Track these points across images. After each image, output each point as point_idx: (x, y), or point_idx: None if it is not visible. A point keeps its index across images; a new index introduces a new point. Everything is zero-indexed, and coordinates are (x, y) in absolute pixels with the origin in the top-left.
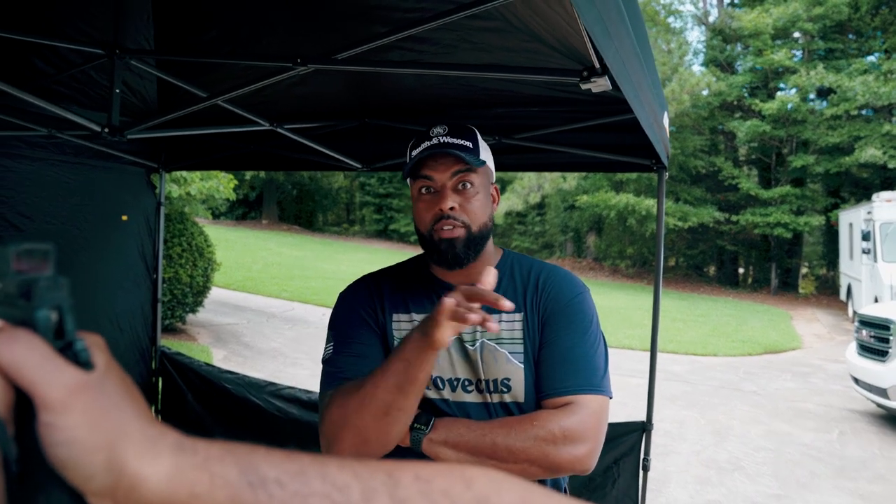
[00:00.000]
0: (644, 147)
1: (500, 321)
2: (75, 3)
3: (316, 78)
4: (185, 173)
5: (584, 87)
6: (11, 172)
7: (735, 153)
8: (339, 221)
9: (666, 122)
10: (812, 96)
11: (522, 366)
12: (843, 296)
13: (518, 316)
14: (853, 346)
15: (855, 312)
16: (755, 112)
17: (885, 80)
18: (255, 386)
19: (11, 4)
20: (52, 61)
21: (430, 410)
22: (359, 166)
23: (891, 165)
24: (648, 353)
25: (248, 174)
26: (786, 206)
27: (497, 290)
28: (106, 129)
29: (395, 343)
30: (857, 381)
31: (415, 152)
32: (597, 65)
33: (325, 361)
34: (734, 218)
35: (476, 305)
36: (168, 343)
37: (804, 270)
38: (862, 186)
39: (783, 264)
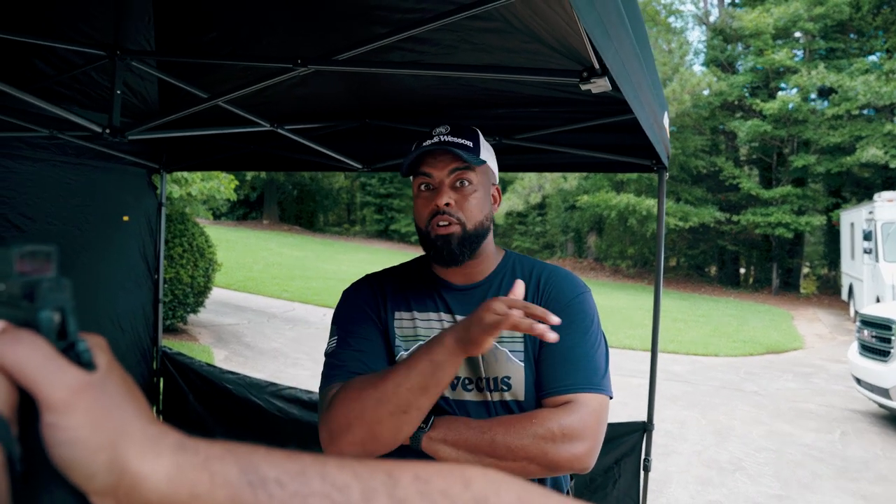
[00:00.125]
0: (644, 147)
1: None
2: (76, 4)
3: (316, 79)
4: (185, 174)
5: (583, 87)
6: (13, 173)
7: (736, 153)
8: (339, 222)
9: (666, 122)
10: (813, 96)
11: (523, 364)
12: (844, 296)
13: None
14: (855, 346)
15: (856, 312)
16: (756, 112)
17: (887, 80)
18: (256, 386)
19: (13, 6)
20: (53, 62)
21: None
22: (359, 167)
23: (892, 165)
24: (649, 354)
25: (249, 175)
26: (787, 205)
27: (498, 289)
28: (107, 130)
29: (396, 340)
30: (858, 381)
31: (414, 152)
32: (596, 66)
33: (328, 354)
34: (735, 218)
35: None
36: (169, 343)
37: (805, 270)
38: (863, 186)
39: (784, 264)
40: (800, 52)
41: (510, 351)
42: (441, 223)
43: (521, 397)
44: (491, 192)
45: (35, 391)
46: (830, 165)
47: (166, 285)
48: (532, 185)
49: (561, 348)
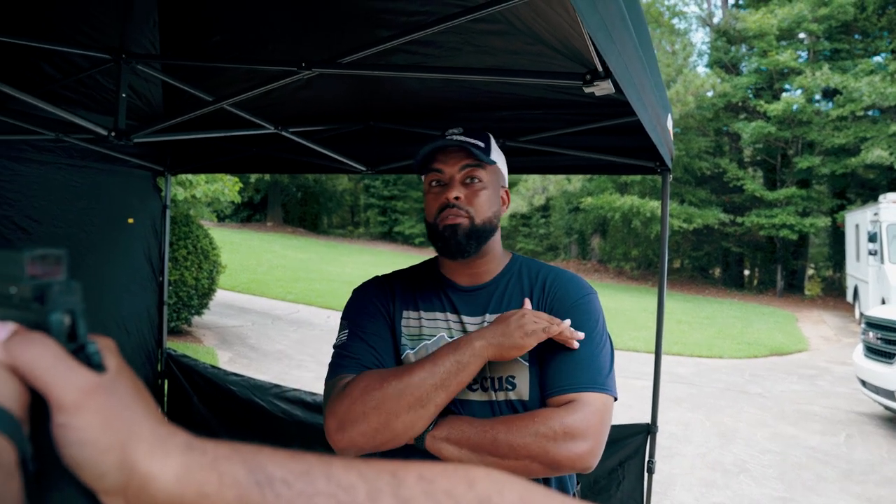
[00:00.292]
0: (648, 149)
1: None
2: (83, 8)
3: (320, 81)
4: (190, 176)
5: (587, 90)
6: (19, 176)
7: (740, 154)
8: (343, 224)
9: (670, 124)
10: (818, 97)
11: (528, 364)
12: (849, 297)
13: None
14: (860, 348)
15: (861, 314)
16: (760, 113)
17: (892, 81)
18: (261, 388)
19: (20, 10)
20: (59, 66)
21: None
22: (363, 169)
23: None
24: (653, 356)
25: (253, 177)
26: (791, 207)
27: (504, 290)
28: (113, 133)
29: (402, 339)
30: (864, 383)
31: (426, 148)
32: (599, 68)
33: (338, 347)
34: (739, 219)
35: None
36: (174, 345)
37: (810, 272)
38: (868, 187)
39: (789, 266)
40: (804, 54)
41: None
42: (450, 215)
43: (526, 397)
44: (500, 194)
45: (46, 392)
46: (835, 167)
47: (171, 287)
48: (536, 187)
49: (565, 348)
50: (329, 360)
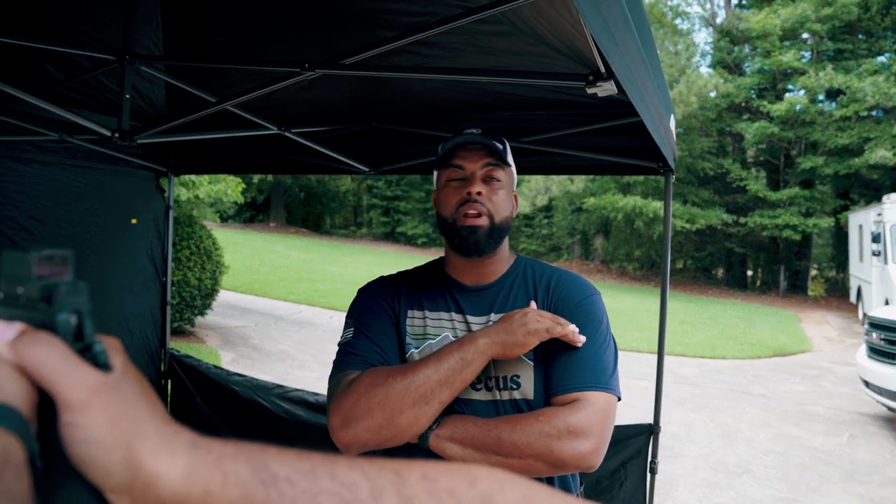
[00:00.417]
0: (651, 150)
1: None
2: (87, 10)
3: (323, 82)
4: (193, 177)
5: (589, 91)
6: (23, 176)
7: (743, 155)
8: (346, 224)
9: (672, 124)
10: (821, 97)
11: (532, 363)
12: (852, 298)
13: None
14: (863, 348)
15: (865, 315)
16: (763, 114)
17: None
18: (263, 388)
19: (24, 12)
20: (63, 67)
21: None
22: (366, 169)
23: None
24: (656, 356)
25: (256, 177)
26: (794, 207)
27: (509, 291)
28: (116, 134)
29: (407, 339)
30: (867, 384)
31: (447, 143)
32: (602, 69)
33: (343, 344)
34: (742, 220)
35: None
36: (177, 345)
37: (813, 273)
38: (872, 188)
39: (792, 266)
40: (807, 54)
41: None
42: (470, 212)
43: (531, 396)
44: (512, 194)
45: (53, 391)
46: (838, 167)
47: (174, 288)
48: (538, 188)
49: (570, 348)
50: (332, 360)
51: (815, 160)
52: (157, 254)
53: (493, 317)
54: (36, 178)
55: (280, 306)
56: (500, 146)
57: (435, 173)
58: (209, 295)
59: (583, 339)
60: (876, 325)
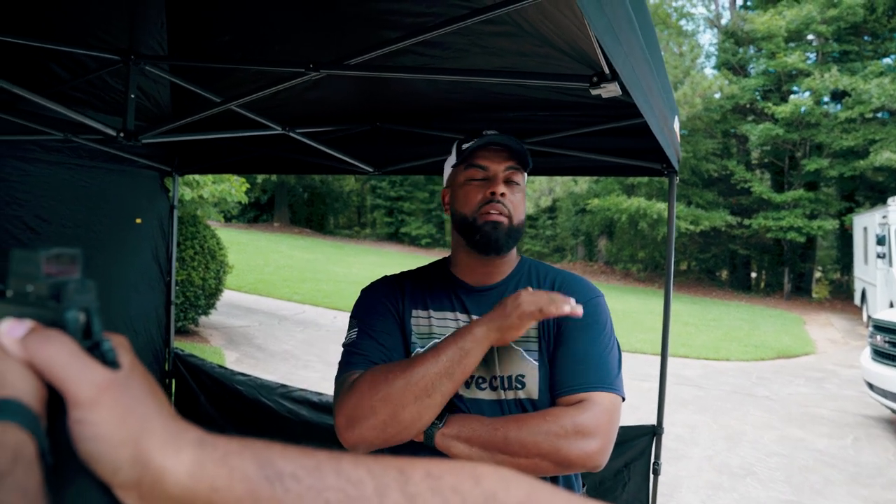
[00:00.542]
0: (655, 151)
1: None
2: (93, 11)
3: (328, 82)
4: (197, 177)
5: (594, 92)
6: (29, 176)
7: (747, 157)
8: (350, 224)
9: (677, 126)
10: (826, 99)
11: (537, 363)
12: (857, 300)
13: None
14: (868, 351)
15: (869, 317)
16: (768, 115)
17: None
18: (267, 388)
19: (30, 12)
20: (68, 67)
21: (444, 406)
22: (370, 170)
23: None
24: (659, 357)
25: (260, 177)
26: (799, 209)
27: (514, 291)
28: (122, 134)
29: (412, 337)
30: (871, 386)
31: (471, 143)
32: (607, 71)
33: (347, 345)
34: (746, 222)
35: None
36: (181, 345)
37: (818, 275)
38: (877, 190)
39: (796, 269)
40: (812, 55)
41: (525, 350)
42: (493, 211)
43: (535, 396)
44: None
45: (63, 388)
46: (843, 169)
47: (178, 287)
48: (542, 189)
49: (575, 350)
50: (336, 360)
51: (820, 162)
52: (161, 253)
53: None
54: (41, 177)
55: (284, 306)
56: (522, 150)
57: (449, 170)
58: (213, 294)
59: (580, 309)
60: (880, 327)
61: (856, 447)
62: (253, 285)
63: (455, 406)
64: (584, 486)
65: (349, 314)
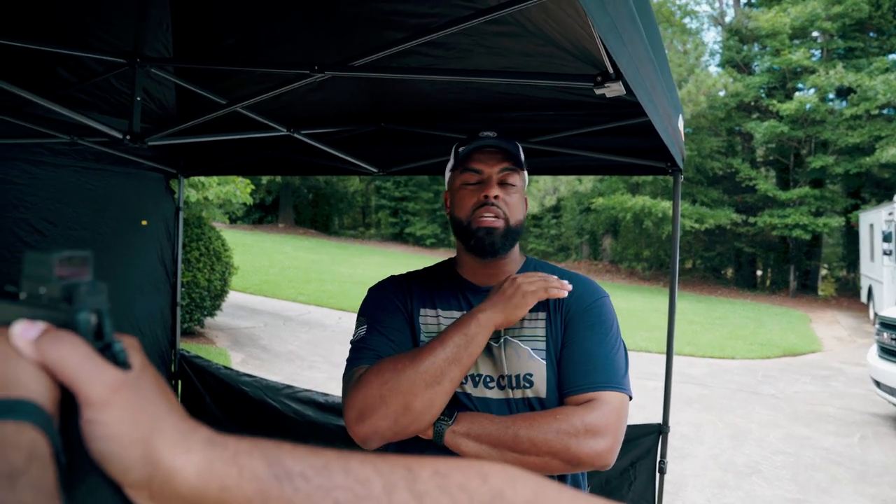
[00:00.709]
0: (659, 150)
1: (523, 320)
2: (98, 14)
3: (332, 83)
4: (202, 178)
5: (598, 91)
6: (35, 179)
7: (752, 154)
8: (354, 225)
9: (681, 125)
10: (831, 96)
11: (544, 362)
12: (863, 298)
13: (541, 314)
14: (874, 348)
15: (876, 315)
16: (773, 113)
17: None
18: (273, 389)
19: (36, 16)
20: (74, 70)
21: (453, 404)
22: (375, 170)
23: None
24: (665, 356)
25: (265, 179)
26: (804, 207)
27: None
28: (127, 136)
29: (421, 335)
30: (878, 384)
31: (465, 147)
32: (610, 70)
33: (355, 341)
34: (752, 220)
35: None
36: (187, 346)
37: (823, 272)
38: (883, 187)
39: (802, 266)
40: (817, 52)
41: (532, 349)
42: (486, 214)
43: (543, 394)
44: (524, 198)
45: (75, 388)
46: (849, 166)
47: (183, 289)
48: (547, 188)
49: (582, 349)
50: (341, 360)
51: (826, 159)
52: (167, 255)
53: None
54: (48, 180)
55: (289, 307)
56: (516, 151)
57: (448, 174)
58: (218, 296)
59: (569, 287)
60: (887, 324)
61: (863, 445)
62: (258, 286)
63: (463, 405)
64: (588, 485)
65: (355, 314)
